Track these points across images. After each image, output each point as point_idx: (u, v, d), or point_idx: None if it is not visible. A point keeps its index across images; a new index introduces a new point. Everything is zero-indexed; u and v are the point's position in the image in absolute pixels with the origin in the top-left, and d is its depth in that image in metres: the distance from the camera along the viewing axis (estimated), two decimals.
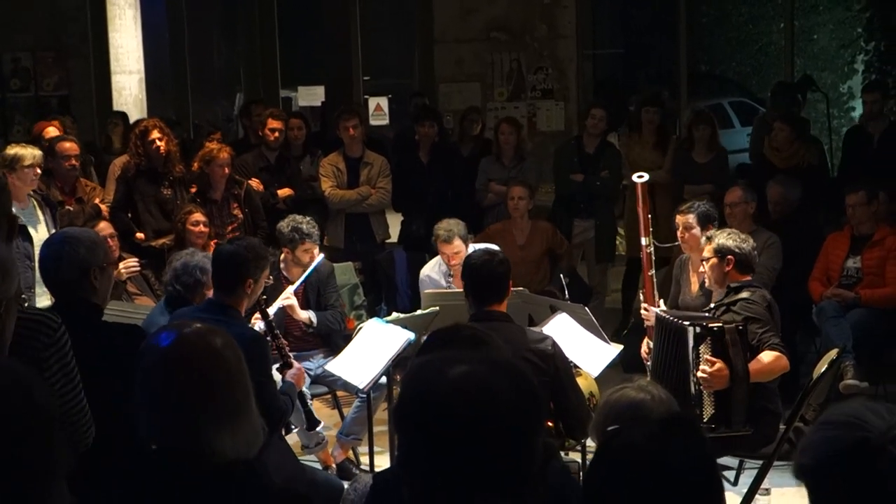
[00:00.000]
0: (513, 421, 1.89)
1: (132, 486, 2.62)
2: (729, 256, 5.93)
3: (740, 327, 5.61)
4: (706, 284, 6.17)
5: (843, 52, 22.69)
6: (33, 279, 6.91)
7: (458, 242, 7.41)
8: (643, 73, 22.41)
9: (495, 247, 6.05)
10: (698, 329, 5.63)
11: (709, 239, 6.11)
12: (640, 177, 6.42)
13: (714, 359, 5.55)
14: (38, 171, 7.28)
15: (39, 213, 7.28)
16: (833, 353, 6.00)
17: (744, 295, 5.84)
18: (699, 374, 5.57)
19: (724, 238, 6.00)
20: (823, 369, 5.87)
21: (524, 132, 10.61)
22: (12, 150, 7.27)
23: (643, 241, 6.31)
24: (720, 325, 5.63)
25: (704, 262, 6.06)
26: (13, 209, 6.96)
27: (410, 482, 1.92)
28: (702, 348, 5.61)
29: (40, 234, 7.13)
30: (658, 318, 6.04)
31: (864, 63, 21.33)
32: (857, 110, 20.85)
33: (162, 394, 2.65)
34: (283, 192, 9.20)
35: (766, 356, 5.65)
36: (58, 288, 4.25)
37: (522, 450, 1.90)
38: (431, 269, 7.78)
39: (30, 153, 7.20)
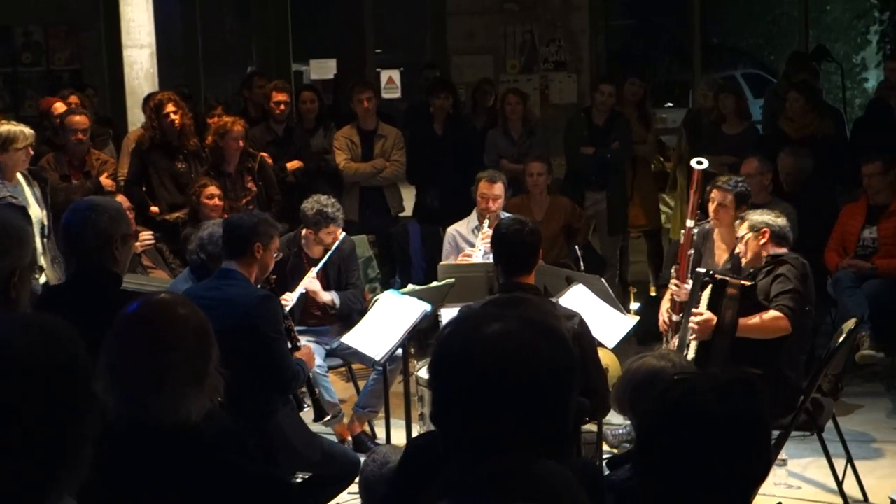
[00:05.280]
0: (548, 379, 1.89)
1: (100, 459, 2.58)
2: (763, 229, 6.03)
3: (746, 285, 5.75)
4: (743, 264, 6.17)
5: (856, 23, 22.55)
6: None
7: (500, 185, 7.46)
8: (655, 45, 22.32)
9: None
10: (705, 277, 5.92)
11: (741, 220, 6.18)
12: (700, 163, 6.50)
13: (701, 311, 5.79)
14: (31, 151, 7.10)
15: (27, 188, 7.16)
16: (850, 324, 6.00)
17: (789, 259, 5.92)
18: (689, 323, 5.82)
19: (758, 216, 6.14)
20: (840, 340, 5.87)
21: (531, 103, 10.52)
22: (4, 128, 7.02)
23: (689, 223, 6.47)
24: (726, 277, 5.85)
25: (740, 241, 6.12)
26: (4, 188, 6.92)
27: (445, 439, 1.93)
28: (703, 294, 5.86)
29: (30, 209, 7.00)
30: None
31: (878, 34, 21.20)
32: (871, 81, 20.76)
33: (118, 357, 2.63)
34: (292, 164, 9.11)
35: (767, 315, 5.76)
36: (80, 255, 4.22)
37: (557, 408, 1.91)
38: (461, 224, 7.77)
39: (22, 134, 6.99)
